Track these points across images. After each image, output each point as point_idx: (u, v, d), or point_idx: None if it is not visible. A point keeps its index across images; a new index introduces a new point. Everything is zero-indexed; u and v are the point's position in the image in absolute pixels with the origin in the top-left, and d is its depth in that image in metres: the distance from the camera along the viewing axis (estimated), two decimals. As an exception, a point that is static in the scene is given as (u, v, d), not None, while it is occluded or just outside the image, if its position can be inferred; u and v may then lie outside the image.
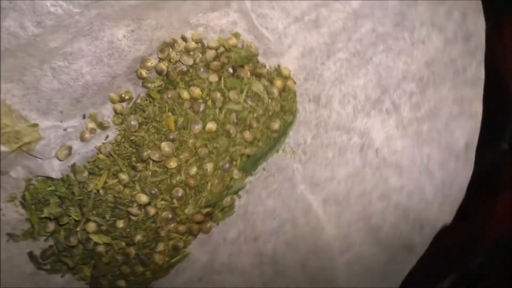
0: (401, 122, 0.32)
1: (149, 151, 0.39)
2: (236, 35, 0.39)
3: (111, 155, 0.39)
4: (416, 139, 0.31)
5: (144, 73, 0.39)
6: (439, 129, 0.29)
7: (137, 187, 0.39)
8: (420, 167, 0.30)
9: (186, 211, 0.40)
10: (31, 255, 0.41)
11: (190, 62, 0.39)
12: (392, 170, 0.31)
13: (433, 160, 0.30)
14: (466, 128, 0.28)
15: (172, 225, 0.40)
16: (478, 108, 0.28)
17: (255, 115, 0.39)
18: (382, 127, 0.33)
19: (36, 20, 0.32)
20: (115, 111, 0.40)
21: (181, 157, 0.39)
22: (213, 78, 0.39)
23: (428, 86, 0.31)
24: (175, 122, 0.39)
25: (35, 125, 0.38)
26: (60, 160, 0.39)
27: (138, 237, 0.40)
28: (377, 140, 0.33)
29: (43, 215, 0.40)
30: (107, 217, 0.40)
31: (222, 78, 0.39)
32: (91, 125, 0.40)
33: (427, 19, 0.32)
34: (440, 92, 0.30)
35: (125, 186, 0.40)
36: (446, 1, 0.31)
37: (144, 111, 0.40)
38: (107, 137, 0.40)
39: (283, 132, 0.39)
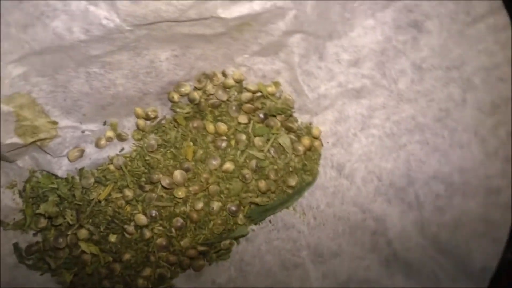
0: (421, 220, 0.31)
1: (161, 175, 0.38)
2: (276, 84, 0.38)
3: (122, 169, 0.39)
4: (432, 244, 0.30)
5: (176, 97, 0.38)
6: (459, 243, 0.29)
7: (139, 207, 0.39)
8: (430, 275, 0.29)
9: (182, 243, 0.39)
10: (16, 246, 0.40)
11: (224, 98, 0.38)
12: (401, 268, 0.31)
13: (445, 271, 0.29)
14: (487, 251, 0.28)
15: (164, 253, 0.39)
16: (503, 234, 0.28)
17: (275, 167, 0.38)
18: (400, 219, 0.32)
19: (85, 28, 0.32)
20: (137, 126, 0.39)
21: (191, 188, 0.38)
22: (243, 119, 0.38)
23: (457, 194, 0.30)
24: (194, 153, 0.38)
25: (55, 122, 0.37)
26: (69, 160, 0.39)
27: (127, 256, 0.39)
28: (392, 231, 0.32)
29: (38, 211, 0.39)
30: (101, 228, 0.39)
31: (252, 122, 0.38)
32: (110, 133, 0.39)
33: (471, 126, 0.31)
34: (468, 204, 0.30)
35: (127, 202, 0.39)
36: (496, 115, 0.30)
37: (166, 134, 0.39)
38: (122, 149, 0.39)
39: (298, 190, 0.38)
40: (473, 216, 0.29)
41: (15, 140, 0.35)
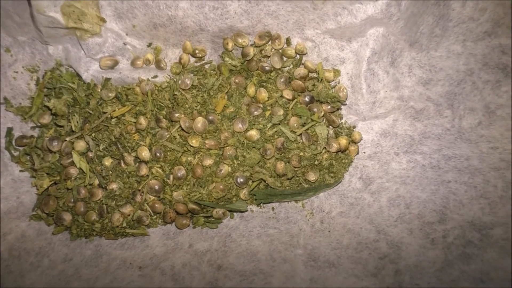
0: (442, 262, 0.27)
1: (183, 115, 0.35)
2: (336, 73, 0.35)
3: (147, 95, 0.36)
4: None
5: (230, 45, 0.36)
6: None
7: (147, 140, 0.36)
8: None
9: (175, 194, 0.35)
10: (9, 131, 0.37)
11: (278, 65, 0.36)
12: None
13: None
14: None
15: (152, 197, 0.36)
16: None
17: (301, 154, 0.35)
18: (418, 253, 0.29)
19: None
20: (180, 59, 0.37)
21: (206, 142, 0.35)
22: (288, 94, 0.35)
23: (493, 248, 0.27)
24: (225, 107, 0.36)
25: (103, 19, 0.35)
26: (100, 67, 0.36)
27: (114, 186, 0.36)
28: (405, 262, 0.29)
29: (47, 103, 0.36)
30: (101, 147, 0.36)
31: (296, 100, 0.36)
32: (150, 56, 0.37)
33: None
34: (501, 262, 0.26)
35: (138, 131, 0.36)
36: None
37: (204, 78, 0.36)
38: (155, 76, 0.37)
39: (315, 188, 0.35)
40: (504, 275, 0.25)
41: (58, 16, 0.33)
